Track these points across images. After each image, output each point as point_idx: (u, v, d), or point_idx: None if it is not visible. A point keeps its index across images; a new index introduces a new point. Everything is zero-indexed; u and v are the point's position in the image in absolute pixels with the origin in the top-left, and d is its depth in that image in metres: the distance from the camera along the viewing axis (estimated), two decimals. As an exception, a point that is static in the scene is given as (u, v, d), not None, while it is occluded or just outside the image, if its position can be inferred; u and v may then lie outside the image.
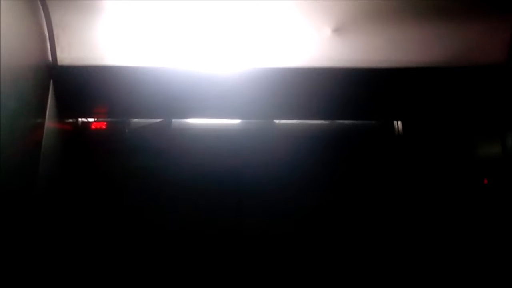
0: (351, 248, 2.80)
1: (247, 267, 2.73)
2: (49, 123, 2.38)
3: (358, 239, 2.83)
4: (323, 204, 2.89)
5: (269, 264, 2.75)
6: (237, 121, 3.05)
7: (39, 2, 2.21)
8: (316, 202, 2.89)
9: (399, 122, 3.03)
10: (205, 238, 2.78)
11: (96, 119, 2.93)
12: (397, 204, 2.87)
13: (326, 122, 3.08)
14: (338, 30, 2.39)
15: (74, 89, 2.52)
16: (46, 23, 2.30)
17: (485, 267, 2.63)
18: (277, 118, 3.04)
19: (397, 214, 2.85)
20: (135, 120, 2.99)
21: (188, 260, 2.73)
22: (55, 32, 2.34)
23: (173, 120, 2.99)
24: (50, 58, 2.40)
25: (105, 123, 2.93)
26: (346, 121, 3.09)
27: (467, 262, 2.68)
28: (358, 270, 2.76)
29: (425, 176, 2.88)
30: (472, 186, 2.83)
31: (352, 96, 2.67)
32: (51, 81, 2.42)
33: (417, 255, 2.73)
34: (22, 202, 2.08)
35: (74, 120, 2.87)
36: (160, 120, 2.96)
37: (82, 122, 2.92)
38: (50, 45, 2.37)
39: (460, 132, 2.91)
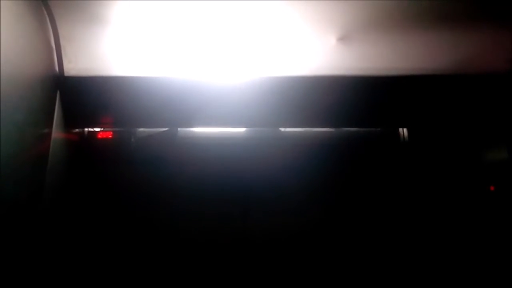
0: (358, 256, 2.79)
1: (253, 275, 2.73)
2: (56, 133, 2.39)
3: (365, 246, 2.81)
4: (330, 212, 2.88)
5: (276, 272, 2.74)
6: (242, 130, 3.06)
7: (46, 15, 2.24)
8: (323, 210, 2.88)
9: (405, 130, 3.03)
10: (212, 246, 2.77)
11: (102, 129, 2.95)
12: (403, 212, 2.86)
13: (332, 130, 3.08)
14: (343, 38, 2.40)
15: (80, 99, 2.54)
16: (53, 35, 2.32)
17: (493, 274, 2.61)
18: (282, 126, 3.04)
19: (404, 221, 2.84)
20: (141, 129, 3.00)
21: (195, 268, 2.72)
22: (62, 44, 2.37)
23: (179, 129, 3.00)
24: (57, 69, 2.42)
25: (111, 132, 2.94)
26: (352, 129, 3.08)
27: (474, 269, 2.66)
28: (366, 277, 2.74)
29: (431, 183, 2.87)
30: (479, 194, 2.81)
31: (357, 104, 2.67)
32: (58, 91, 2.44)
33: (424, 262, 2.71)
34: (29, 212, 2.09)
35: (81, 130, 2.88)
36: (166, 129, 2.97)
37: (89, 132, 2.94)
38: (57, 56, 2.40)
39: (466, 139, 2.91)
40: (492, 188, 2.80)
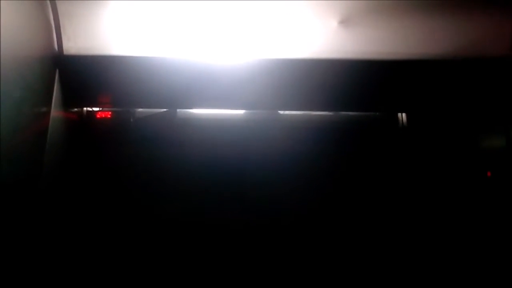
0: (355, 240, 2.82)
1: (250, 259, 2.75)
2: (55, 112, 2.39)
3: (362, 230, 2.85)
4: (327, 195, 2.90)
5: (272, 256, 2.76)
6: (241, 112, 3.05)
7: (45, -8, 2.22)
8: (320, 193, 2.90)
9: (404, 114, 3.03)
10: (209, 228, 2.79)
11: (101, 109, 2.94)
12: (401, 196, 2.88)
13: (331, 113, 3.08)
14: (344, 22, 2.38)
15: (80, 78, 2.53)
16: (53, 12, 2.30)
17: (488, 259, 2.64)
18: (281, 109, 3.04)
19: (400, 206, 2.86)
20: (140, 109, 3.00)
21: (191, 250, 2.75)
22: (61, 21, 2.35)
23: (178, 110, 2.99)
24: (56, 47, 2.40)
25: (110, 112, 2.94)
26: (351, 113, 3.08)
27: (470, 255, 2.68)
28: (361, 263, 2.78)
29: (429, 168, 2.88)
30: (476, 179, 2.82)
31: (357, 88, 2.67)
32: (57, 70, 2.43)
33: (420, 247, 2.74)
34: (29, 191, 2.11)
35: (80, 109, 2.88)
36: (165, 110, 2.97)
37: (88, 111, 2.94)
38: (56, 34, 2.38)
39: (464, 124, 2.91)
40: (489, 173, 2.81)
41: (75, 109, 2.80)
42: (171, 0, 2.31)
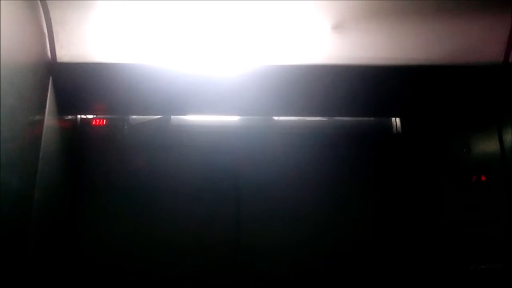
0: (352, 245, 2.83)
1: (245, 264, 2.75)
2: (49, 120, 2.37)
3: (359, 235, 2.85)
4: (322, 201, 2.90)
5: (268, 261, 2.76)
6: (236, 118, 3.05)
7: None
8: (315, 199, 2.90)
9: (398, 119, 3.04)
10: (204, 234, 2.78)
11: (95, 116, 2.93)
12: (395, 201, 2.89)
13: (325, 119, 3.09)
14: (337, 27, 2.39)
15: (73, 86, 2.52)
16: (45, 20, 2.29)
17: (483, 262, 2.65)
18: (276, 115, 3.04)
19: (395, 211, 2.87)
20: (134, 116, 2.99)
21: (185, 255, 2.74)
22: (54, 29, 2.34)
23: (172, 116, 2.99)
24: (49, 55, 2.39)
25: (104, 119, 2.93)
26: (345, 118, 3.09)
27: (466, 258, 2.68)
28: (357, 266, 2.78)
29: (423, 173, 2.89)
30: (470, 183, 2.83)
31: (351, 94, 2.68)
32: (51, 78, 2.41)
33: (414, 252, 2.74)
34: (23, 199, 2.09)
35: (74, 116, 2.87)
36: (159, 117, 2.96)
37: (82, 118, 2.93)
38: (49, 42, 2.37)
39: (458, 129, 2.92)
40: (483, 178, 2.82)
41: (69, 117, 2.79)
42: (164, 7, 2.31)
